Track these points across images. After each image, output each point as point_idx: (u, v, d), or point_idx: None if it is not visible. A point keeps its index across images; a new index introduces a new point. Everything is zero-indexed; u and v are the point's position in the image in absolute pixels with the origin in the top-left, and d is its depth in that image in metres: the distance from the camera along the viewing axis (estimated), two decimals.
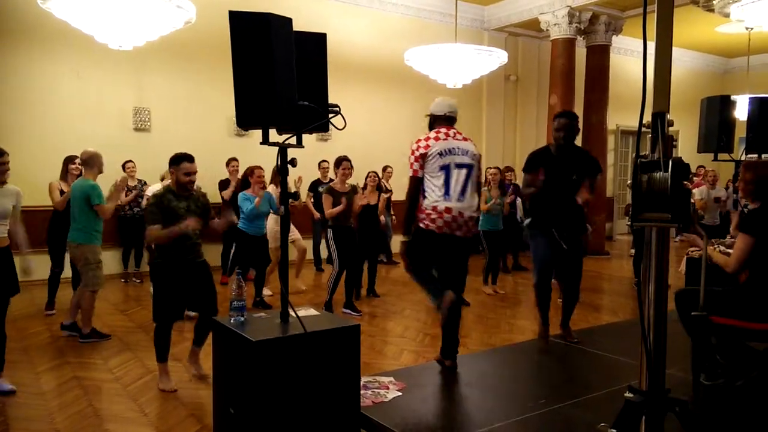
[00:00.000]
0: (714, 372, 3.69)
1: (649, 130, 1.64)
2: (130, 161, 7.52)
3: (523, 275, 8.59)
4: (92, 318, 5.13)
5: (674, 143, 1.74)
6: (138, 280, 7.71)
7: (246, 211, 6.10)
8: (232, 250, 6.87)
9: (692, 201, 7.68)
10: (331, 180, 8.12)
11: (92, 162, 5.05)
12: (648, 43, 1.71)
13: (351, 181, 6.36)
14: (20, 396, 3.86)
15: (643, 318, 1.67)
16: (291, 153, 2.88)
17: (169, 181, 5.25)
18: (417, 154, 3.71)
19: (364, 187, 6.97)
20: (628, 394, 1.73)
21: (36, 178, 6.77)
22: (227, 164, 7.81)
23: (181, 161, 4.03)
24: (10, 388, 3.93)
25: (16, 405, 3.72)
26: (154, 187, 6.44)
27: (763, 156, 4.95)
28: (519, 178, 9.28)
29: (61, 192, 5.65)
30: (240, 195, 6.23)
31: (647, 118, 1.59)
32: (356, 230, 6.32)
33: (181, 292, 4.06)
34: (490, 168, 7.85)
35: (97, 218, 4.99)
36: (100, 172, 5.10)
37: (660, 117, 1.57)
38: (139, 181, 7.62)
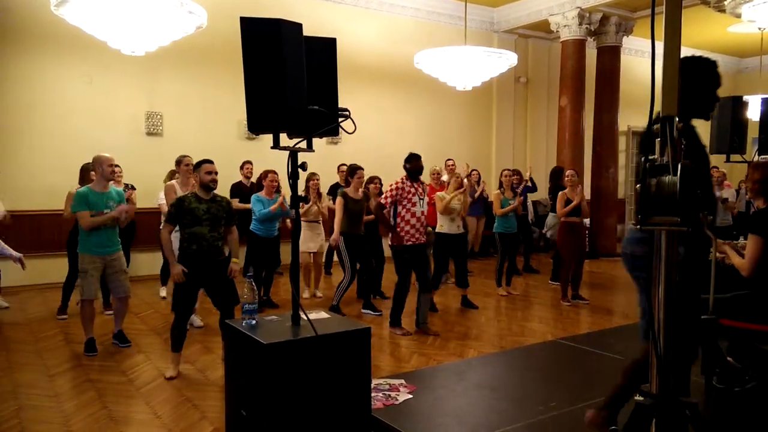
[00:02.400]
0: (726, 375, 3.66)
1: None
2: (117, 166, 7.28)
3: (535, 277, 8.56)
4: (90, 328, 4.90)
5: (683, 146, 1.73)
6: None
7: (258, 214, 6.16)
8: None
9: None
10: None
11: (94, 168, 4.98)
12: (658, 44, 1.71)
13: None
14: (34, 399, 3.91)
15: (653, 321, 1.66)
16: (301, 157, 2.90)
17: (175, 181, 5.40)
18: None
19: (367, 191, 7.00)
20: (638, 397, 1.73)
21: (49, 183, 6.86)
22: (241, 167, 7.84)
23: (201, 164, 4.46)
24: None
25: (31, 408, 3.77)
26: (163, 194, 6.46)
27: None
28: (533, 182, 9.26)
29: None
30: (253, 197, 6.31)
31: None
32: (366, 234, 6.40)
33: (195, 284, 4.43)
34: (504, 170, 7.79)
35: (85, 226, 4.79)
36: (104, 176, 4.89)
37: (668, 120, 1.57)
38: (126, 185, 7.42)
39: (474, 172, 9.07)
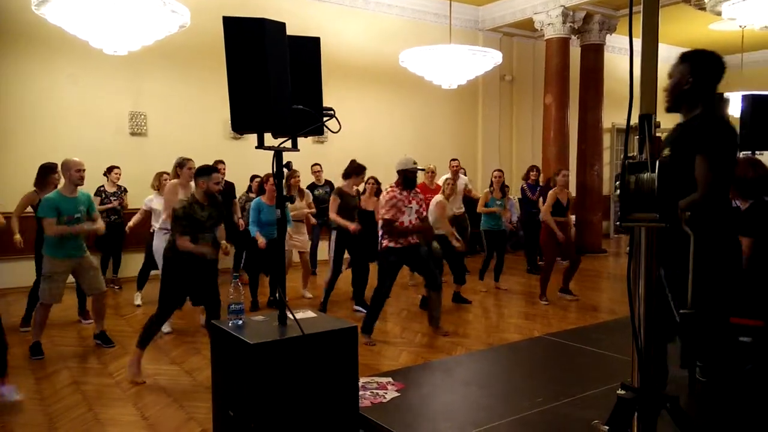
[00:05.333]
0: (708, 368, 3.71)
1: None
2: (117, 167, 7.38)
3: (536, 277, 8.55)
4: (40, 332, 4.84)
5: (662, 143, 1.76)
6: (117, 287, 7.57)
7: (250, 225, 6.17)
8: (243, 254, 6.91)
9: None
10: (328, 182, 8.17)
11: (62, 172, 4.84)
12: (638, 43, 1.74)
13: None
14: (20, 402, 3.87)
15: (633, 316, 1.69)
16: (287, 156, 2.90)
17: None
18: None
19: (363, 192, 7.00)
20: (620, 391, 1.76)
21: (31, 183, 6.76)
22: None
23: (211, 172, 4.40)
24: (17, 398, 3.84)
25: (17, 411, 3.73)
26: (151, 198, 6.42)
27: (756, 153, 4.97)
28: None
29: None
30: (254, 201, 6.28)
31: (635, 119, 1.63)
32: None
33: (185, 286, 4.37)
34: (495, 171, 7.82)
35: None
36: (72, 181, 4.74)
37: (647, 119, 1.60)
38: (119, 187, 7.41)
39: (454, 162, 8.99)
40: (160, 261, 5.10)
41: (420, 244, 5.26)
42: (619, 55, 12.96)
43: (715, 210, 2.61)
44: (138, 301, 6.64)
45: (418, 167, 5.19)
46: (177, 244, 4.28)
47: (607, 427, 1.72)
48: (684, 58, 2.70)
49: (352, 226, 6.00)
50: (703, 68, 2.63)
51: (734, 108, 7.32)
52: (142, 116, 8.29)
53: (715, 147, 2.51)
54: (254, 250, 6.29)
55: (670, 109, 2.73)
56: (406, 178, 5.12)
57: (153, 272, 6.29)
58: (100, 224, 5.01)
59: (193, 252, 4.29)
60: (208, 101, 8.46)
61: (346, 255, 6.38)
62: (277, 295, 6.30)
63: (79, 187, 4.85)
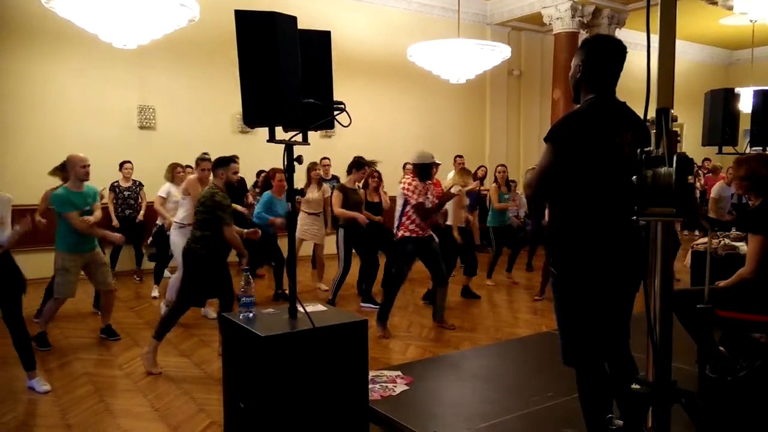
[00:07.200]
0: (719, 364, 3.70)
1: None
2: (128, 162, 7.46)
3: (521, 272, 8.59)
4: (47, 324, 4.91)
5: (678, 137, 1.72)
6: (138, 278, 7.68)
7: (255, 215, 6.19)
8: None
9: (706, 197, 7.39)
10: (335, 177, 8.15)
11: (68, 168, 4.82)
12: (653, 37, 1.73)
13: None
14: (32, 393, 3.90)
15: (649, 311, 1.69)
16: (297, 150, 2.90)
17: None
18: None
19: (365, 186, 6.98)
20: (634, 386, 1.76)
21: (40, 178, 6.79)
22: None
23: (230, 162, 4.47)
24: (45, 389, 3.88)
25: (29, 402, 3.77)
26: (165, 188, 6.47)
27: (767, 149, 4.94)
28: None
29: None
30: (265, 194, 6.34)
31: (651, 113, 1.62)
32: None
33: (208, 283, 4.40)
34: (498, 166, 7.81)
35: (63, 224, 4.72)
36: (78, 177, 4.73)
37: (664, 112, 1.59)
38: (134, 182, 7.53)
39: (482, 168, 8.95)
40: (179, 256, 5.12)
41: (433, 238, 5.31)
42: (629, 49, 12.88)
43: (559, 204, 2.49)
44: (155, 293, 6.71)
45: (436, 161, 5.27)
46: (226, 235, 4.35)
47: (621, 422, 1.72)
48: (579, 47, 2.58)
49: (360, 216, 6.04)
50: (591, 54, 2.46)
51: (745, 103, 7.26)
52: (151, 110, 8.31)
53: (554, 136, 2.37)
54: (252, 244, 6.30)
55: (573, 100, 2.63)
56: (423, 170, 5.20)
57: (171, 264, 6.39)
58: (100, 227, 5.08)
59: (237, 246, 4.44)
60: (217, 95, 8.46)
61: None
62: (286, 288, 6.33)
63: (87, 182, 4.87)
